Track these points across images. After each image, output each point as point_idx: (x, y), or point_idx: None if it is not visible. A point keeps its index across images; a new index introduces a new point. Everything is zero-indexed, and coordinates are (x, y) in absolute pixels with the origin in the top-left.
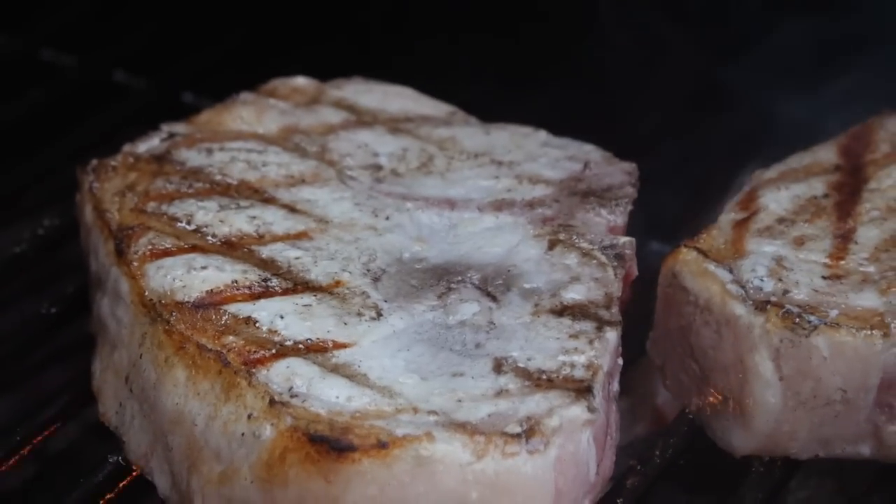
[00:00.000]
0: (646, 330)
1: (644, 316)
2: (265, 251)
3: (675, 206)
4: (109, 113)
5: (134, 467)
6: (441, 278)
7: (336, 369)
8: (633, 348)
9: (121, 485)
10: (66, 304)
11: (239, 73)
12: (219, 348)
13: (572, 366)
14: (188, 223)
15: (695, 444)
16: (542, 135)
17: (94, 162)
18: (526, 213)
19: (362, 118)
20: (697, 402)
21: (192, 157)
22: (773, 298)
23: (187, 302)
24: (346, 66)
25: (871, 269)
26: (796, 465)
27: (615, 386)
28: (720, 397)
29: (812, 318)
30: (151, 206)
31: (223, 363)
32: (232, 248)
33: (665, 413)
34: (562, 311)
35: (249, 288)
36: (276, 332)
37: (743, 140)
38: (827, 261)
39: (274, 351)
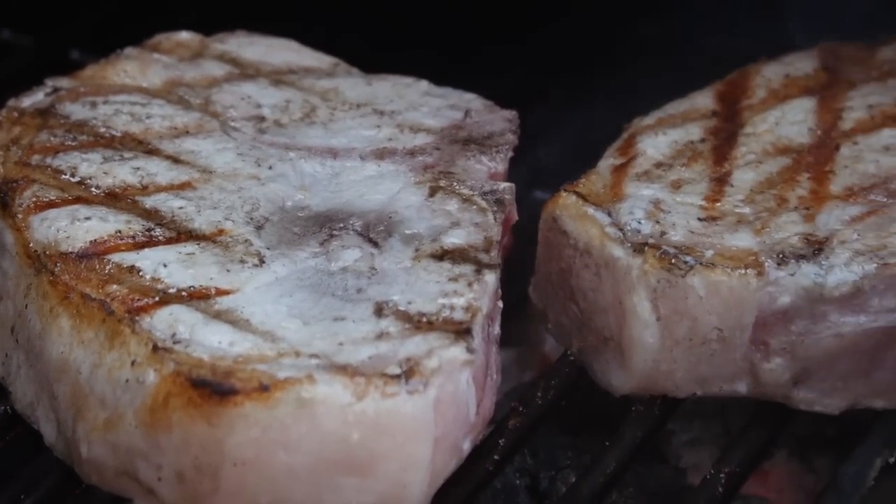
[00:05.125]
0: None
1: (532, 266)
2: (149, 201)
3: (559, 156)
4: None
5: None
6: (323, 226)
7: (219, 315)
8: (521, 297)
9: (8, 437)
10: None
11: (126, 31)
12: (103, 297)
13: (452, 308)
14: (72, 175)
15: (576, 385)
16: (424, 84)
17: None
18: (407, 160)
19: (246, 71)
20: (578, 343)
21: (77, 111)
22: (651, 240)
23: (71, 252)
24: (231, 21)
25: (747, 210)
26: (675, 404)
27: (496, 328)
28: (600, 338)
29: (688, 258)
30: (36, 159)
31: (107, 311)
32: (116, 198)
33: (552, 360)
34: (442, 255)
35: (133, 238)
36: (159, 280)
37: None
38: (703, 203)
39: (157, 299)
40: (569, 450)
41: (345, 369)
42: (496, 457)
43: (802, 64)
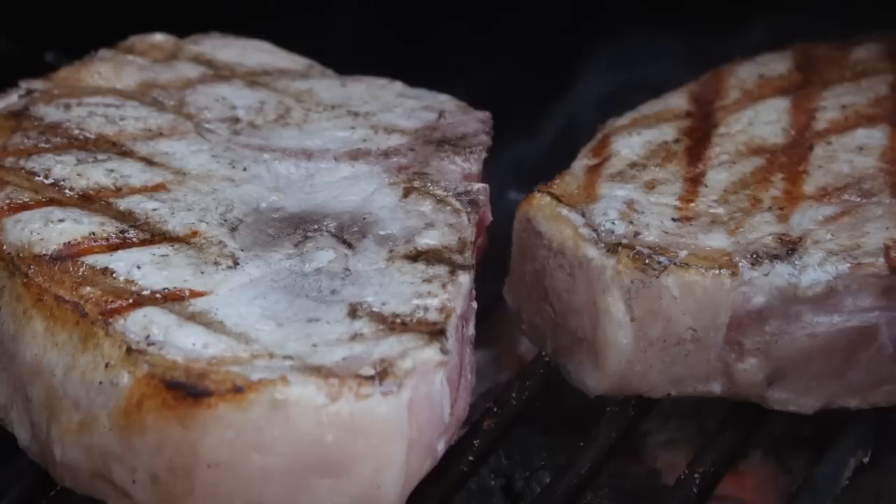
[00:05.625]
0: None
1: (507, 267)
2: (122, 203)
3: (534, 157)
4: None
5: None
6: (298, 227)
7: (192, 317)
8: (497, 298)
9: None
10: None
11: (100, 33)
12: (76, 299)
13: (426, 309)
14: (46, 177)
15: (551, 386)
16: (398, 86)
17: None
18: (381, 161)
19: (220, 72)
20: (552, 344)
21: (50, 113)
22: (625, 241)
23: (45, 254)
24: (205, 23)
25: (720, 210)
26: (650, 405)
27: (470, 329)
28: (574, 339)
29: (662, 258)
30: (9, 161)
31: (80, 314)
32: (89, 200)
33: (527, 360)
34: (416, 256)
35: (107, 239)
36: (133, 282)
37: (602, 92)
38: (677, 203)
39: (131, 301)
40: (543, 450)
41: (319, 371)
42: (471, 458)
43: (776, 64)
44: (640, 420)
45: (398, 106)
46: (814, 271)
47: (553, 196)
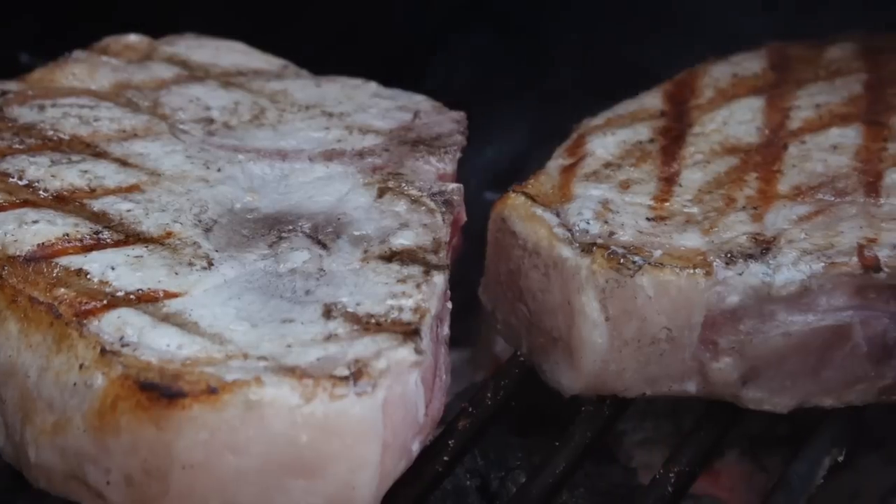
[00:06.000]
0: None
1: (482, 267)
2: (97, 204)
3: (510, 157)
4: None
5: None
6: (272, 228)
7: (167, 318)
8: (472, 298)
9: None
10: None
11: (75, 34)
12: (50, 300)
13: (400, 309)
14: (20, 178)
15: (526, 385)
16: (373, 86)
17: None
18: (356, 162)
19: (194, 73)
20: (528, 344)
21: (24, 114)
22: (599, 240)
23: (19, 256)
24: (179, 24)
25: (695, 210)
26: (625, 404)
27: (445, 329)
28: (549, 339)
29: (637, 258)
30: None
31: (55, 315)
32: (63, 202)
33: (503, 360)
34: (390, 256)
35: (81, 241)
36: (107, 283)
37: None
38: (652, 203)
39: (105, 302)
40: (519, 450)
41: (293, 371)
42: (446, 458)
43: (750, 64)
44: (615, 419)
45: (373, 106)
46: (788, 270)
47: (528, 196)
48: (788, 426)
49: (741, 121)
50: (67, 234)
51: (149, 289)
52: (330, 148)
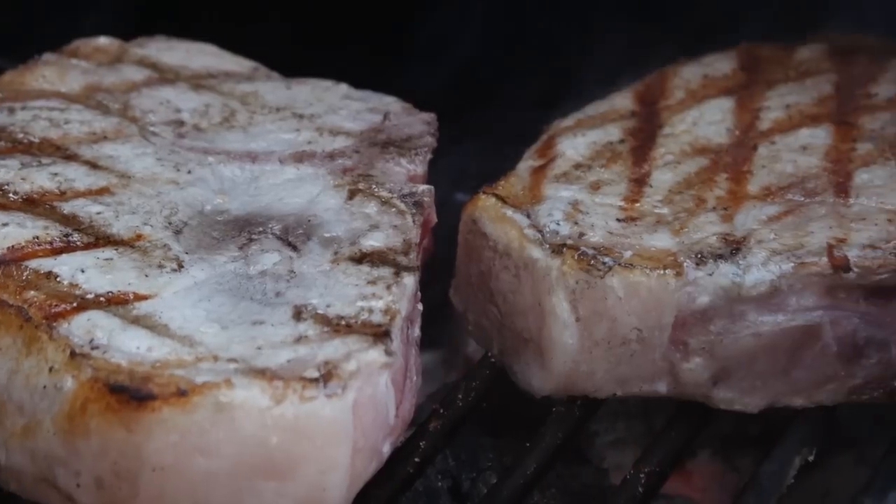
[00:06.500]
0: None
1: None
2: (67, 207)
3: (481, 158)
4: None
5: None
6: (242, 230)
7: (137, 321)
8: (443, 300)
9: None
10: None
11: (44, 36)
12: (20, 303)
13: (370, 311)
14: None
15: (497, 387)
16: (343, 88)
17: None
18: (326, 164)
19: (165, 75)
20: (499, 345)
21: None
22: (570, 241)
23: None
24: (150, 26)
25: (665, 210)
26: (597, 405)
27: (416, 331)
28: (520, 340)
29: (607, 259)
30: None
31: (24, 318)
32: (33, 204)
33: (475, 361)
34: (361, 258)
35: (51, 243)
36: (77, 285)
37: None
38: (622, 204)
39: (75, 304)
40: (490, 451)
41: (263, 373)
42: (417, 459)
43: (721, 64)
44: (586, 420)
45: (343, 108)
46: (758, 271)
47: (498, 197)
48: (760, 426)
49: (711, 121)
50: (37, 237)
51: (119, 291)
52: (300, 150)
